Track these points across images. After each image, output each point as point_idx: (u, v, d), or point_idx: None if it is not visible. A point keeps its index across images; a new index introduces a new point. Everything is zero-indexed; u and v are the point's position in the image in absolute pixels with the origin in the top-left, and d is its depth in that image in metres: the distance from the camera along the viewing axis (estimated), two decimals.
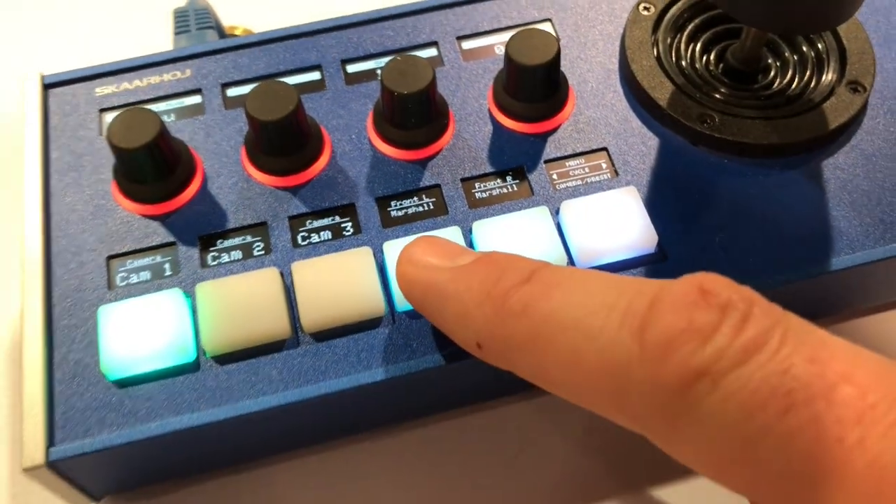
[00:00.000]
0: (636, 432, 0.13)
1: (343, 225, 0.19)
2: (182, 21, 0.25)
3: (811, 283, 0.18)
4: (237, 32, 0.26)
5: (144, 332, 0.17)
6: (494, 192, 0.19)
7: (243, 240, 0.19)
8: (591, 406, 0.14)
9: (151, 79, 0.21)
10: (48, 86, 0.21)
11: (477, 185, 0.19)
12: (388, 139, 0.19)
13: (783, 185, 0.19)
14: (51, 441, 0.16)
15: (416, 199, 0.19)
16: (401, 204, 0.19)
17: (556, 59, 0.19)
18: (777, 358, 0.12)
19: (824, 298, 0.20)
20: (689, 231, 0.18)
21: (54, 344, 0.17)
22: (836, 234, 0.18)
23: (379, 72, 0.20)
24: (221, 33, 0.25)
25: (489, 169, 0.19)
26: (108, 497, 0.19)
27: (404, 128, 0.19)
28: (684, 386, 0.12)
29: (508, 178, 0.19)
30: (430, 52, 0.21)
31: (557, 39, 0.19)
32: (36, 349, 0.17)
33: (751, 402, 0.12)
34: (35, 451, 0.16)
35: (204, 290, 0.17)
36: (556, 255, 0.18)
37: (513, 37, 0.19)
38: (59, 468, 0.16)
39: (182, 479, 0.19)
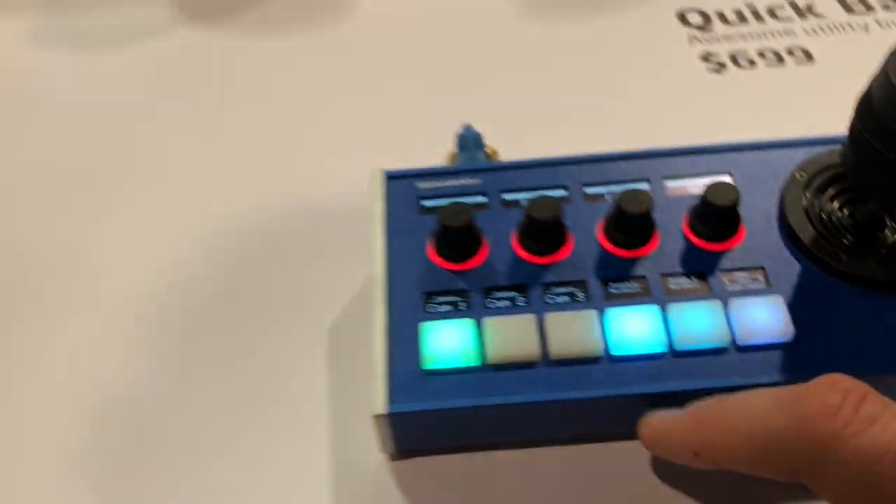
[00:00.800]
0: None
1: (577, 294, 0.28)
2: (463, 142, 0.36)
3: None
4: (491, 152, 0.37)
5: (449, 342, 0.27)
6: (683, 286, 0.28)
7: (511, 294, 0.28)
8: (759, 470, 0.22)
9: (454, 182, 0.31)
10: (389, 177, 0.32)
11: (671, 280, 0.28)
12: (612, 240, 0.29)
13: (878, 306, 0.27)
14: (391, 400, 0.26)
15: (628, 283, 0.28)
16: (618, 286, 0.28)
17: (737, 201, 0.28)
18: (887, 428, 0.20)
19: None
20: (819, 333, 0.27)
21: (393, 341, 0.27)
22: None
23: (608, 195, 0.30)
24: (486, 154, 0.36)
25: (680, 270, 0.28)
26: (401, 457, 0.28)
27: (625, 233, 0.29)
28: (824, 445, 0.21)
29: (693, 278, 0.28)
30: (644, 186, 0.31)
31: (737, 189, 0.28)
32: (381, 344, 0.27)
33: (872, 457, 0.20)
34: (381, 404, 0.26)
35: (488, 322, 0.27)
36: (722, 333, 0.27)
37: (708, 186, 0.28)
38: (392, 419, 0.26)
39: (452, 450, 0.28)
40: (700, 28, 0.47)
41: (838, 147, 0.30)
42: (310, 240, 0.37)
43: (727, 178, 0.31)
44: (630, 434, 0.26)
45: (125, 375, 0.33)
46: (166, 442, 0.31)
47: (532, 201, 0.28)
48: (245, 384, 0.32)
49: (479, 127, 0.36)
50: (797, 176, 0.30)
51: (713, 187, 0.28)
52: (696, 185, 0.30)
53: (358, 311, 0.33)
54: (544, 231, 0.28)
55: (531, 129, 0.39)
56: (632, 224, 0.28)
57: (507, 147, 0.36)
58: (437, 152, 0.36)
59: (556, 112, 0.42)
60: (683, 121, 0.40)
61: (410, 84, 0.44)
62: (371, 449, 0.29)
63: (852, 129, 0.26)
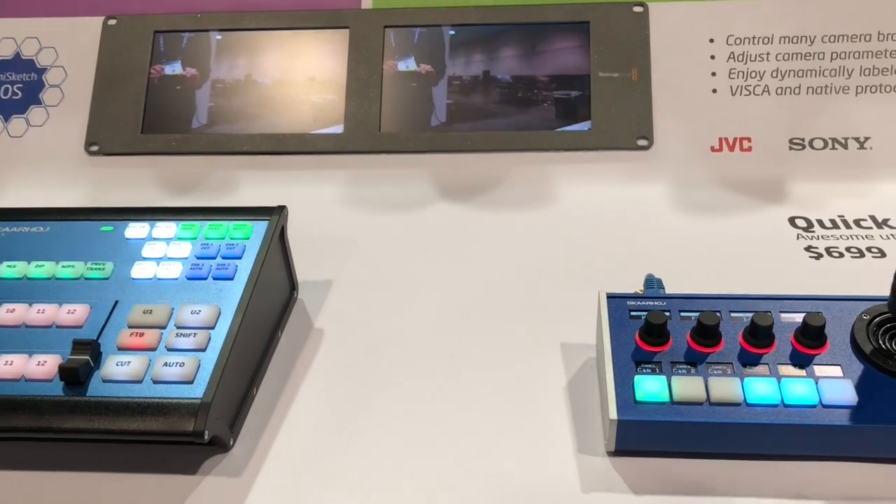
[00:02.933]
0: None
1: (726, 370, 0.48)
2: (650, 283, 0.57)
3: None
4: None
5: (651, 388, 0.47)
6: (791, 371, 0.48)
7: (687, 366, 0.48)
8: None
9: (649, 302, 0.53)
10: (609, 297, 0.53)
11: (783, 367, 0.48)
12: (747, 342, 0.49)
13: None
14: (619, 413, 0.46)
15: (757, 367, 0.48)
16: (750, 368, 0.48)
17: (824, 323, 0.48)
18: None
19: None
20: (872, 400, 0.46)
21: (618, 385, 0.48)
22: None
23: (745, 317, 0.51)
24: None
25: (789, 362, 0.48)
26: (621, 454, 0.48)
27: (757, 338, 0.49)
28: None
29: (797, 367, 0.48)
30: (768, 313, 0.51)
31: (823, 316, 0.48)
32: (612, 387, 0.48)
33: None
34: (614, 414, 0.46)
35: (675, 379, 0.47)
36: (813, 395, 0.46)
37: (807, 314, 0.48)
38: (620, 424, 0.46)
39: (648, 455, 0.48)
40: (805, 229, 0.68)
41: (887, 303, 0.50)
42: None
43: (818, 314, 0.51)
44: (756, 454, 0.46)
45: None
46: None
47: (703, 313, 0.49)
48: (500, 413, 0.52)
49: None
50: (863, 316, 0.50)
51: (810, 315, 0.49)
52: (798, 315, 0.51)
53: (585, 379, 0.54)
54: (708, 331, 0.49)
55: (682, 287, 0.61)
56: (761, 332, 0.49)
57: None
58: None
59: (695, 276, 0.63)
60: (790, 288, 0.61)
61: (597, 255, 0.67)
62: (599, 449, 0.48)
63: (893, 289, 0.46)
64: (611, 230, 0.69)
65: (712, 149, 0.76)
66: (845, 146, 0.75)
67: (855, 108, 0.76)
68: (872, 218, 0.69)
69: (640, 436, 0.47)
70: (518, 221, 0.71)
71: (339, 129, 0.80)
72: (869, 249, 0.65)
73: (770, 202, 0.72)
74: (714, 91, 0.77)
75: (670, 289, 0.58)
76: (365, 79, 0.81)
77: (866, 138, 0.75)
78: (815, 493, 0.46)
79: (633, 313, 0.52)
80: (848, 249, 0.65)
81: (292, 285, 0.62)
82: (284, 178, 0.77)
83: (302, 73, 0.82)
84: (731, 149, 0.76)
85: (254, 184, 0.77)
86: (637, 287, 0.61)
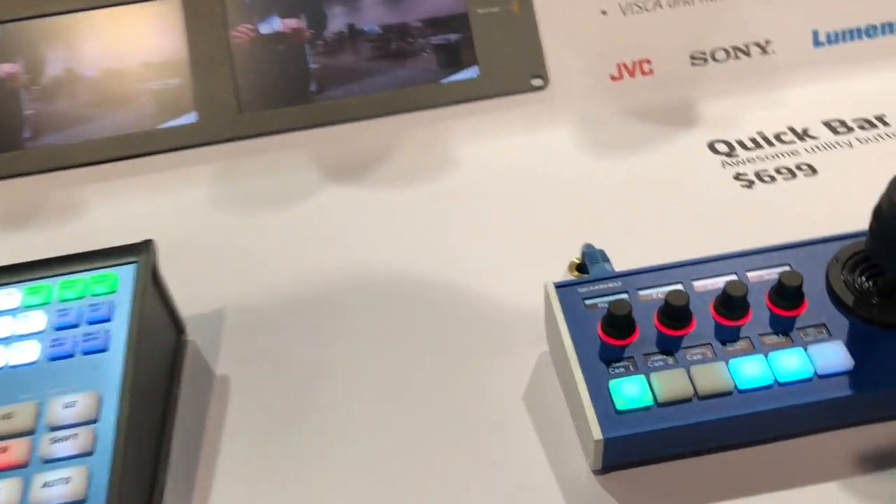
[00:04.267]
0: None
1: (706, 353, 0.43)
2: (591, 258, 0.50)
3: None
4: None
5: (631, 392, 0.41)
6: (775, 341, 0.43)
7: (662, 357, 0.43)
8: None
9: (602, 286, 0.46)
10: (557, 287, 0.46)
11: (766, 338, 0.43)
12: (721, 315, 0.44)
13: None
14: (603, 430, 0.40)
15: (738, 343, 0.43)
16: (732, 345, 0.43)
17: (801, 282, 0.43)
18: None
19: None
20: (867, 361, 0.41)
21: (593, 395, 0.41)
22: None
23: (711, 286, 0.45)
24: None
25: (770, 331, 0.43)
26: (604, 472, 0.42)
27: (731, 310, 0.43)
28: None
29: (780, 335, 0.43)
30: (734, 277, 0.46)
31: (801, 274, 0.43)
32: (586, 397, 0.41)
33: None
34: (597, 433, 0.40)
35: (654, 376, 0.41)
36: (807, 367, 0.41)
37: (781, 274, 0.43)
38: (606, 443, 0.40)
39: (639, 464, 0.42)
40: (728, 154, 0.63)
41: (858, 239, 0.46)
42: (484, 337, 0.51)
43: (788, 268, 0.46)
44: (752, 441, 0.40)
45: None
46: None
47: (670, 292, 0.43)
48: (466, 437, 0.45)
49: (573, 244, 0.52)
50: (835, 261, 0.45)
51: (784, 274, 0.43)
52: (770, 274, 0.45)
53: (543, 381, 0.47)
54: (678, 313, 0.43)
55: (620, 244, 0.54)
56: (735, 303, 0.43)
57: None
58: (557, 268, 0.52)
59: (630, 230, 0.57)
60: (734, 226, 0.56)
61: (514, 219, 0.60)
62: (581, 467, 0.42)
63: (872, 229, 0.42)
64: (524, 190, 0.62)
65: (612, 77, 0.69)
66: (748, 53, 0.70)
67: (751, 10, 0.70)
68: (792, 130, 0.65)
69: (629, 449, 0.41)
70: (421, 195, 0.63)
71: (191, 117, 0.68)
72: (799, 167, 0.61)
73: (686, 128, 0.66)
74: (604, 13, 0.70)
75: (605, 249, 0.52)
76: (210, 53, 0.69)
77: (767, 41, 0.70)
78: (820, 468, 0.42)
79: (587, 302, 0.46)
80: (778, 171, 0.61)
81: (178, 328, 0.52)
82: (137, 186, 0.65)
83: (133, 58, 0.69)
84: (632, 74, 0.70)
85: (102, 200, 0.65)
86: (570, 253, 0.54)
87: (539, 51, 0.69)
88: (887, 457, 0.42)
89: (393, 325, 0.52)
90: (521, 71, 0.69)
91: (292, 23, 0.70)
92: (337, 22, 0.70)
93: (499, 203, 0.61)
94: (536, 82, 0.69)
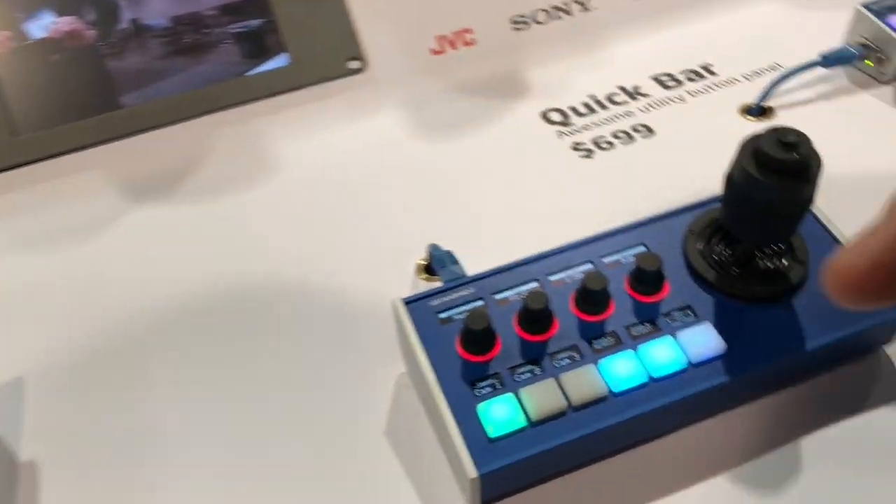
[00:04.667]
0: None
1: (574, 356, 0.39)
2: (440, 261, 0.46)
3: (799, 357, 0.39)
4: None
5: (501, 414, 0.37)
6: (642, 332, 0.40)
7: (529, 367, 0.39)
8: None
9: (454, 295, 0.42)
10: (406, 303, 0.41)
11: (633, 329, 0.40)
12: (583, 311, 0.40)
13: (769, 313, 0.40)
14: (477, 466, 0.36)
15: (605, 338, 0.40)
16: (599, 342, 0.39)
17: (660, 264, 0.40)
18: None
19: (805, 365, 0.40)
20: (739, 340, 0.39)
21: (461, 423, 0.37)
22: (810, 326, 0.39)
23: (568, 280, 0.41)
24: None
25: (636, 321, 0.40)
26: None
27: (592, 304, 0.40)
28: None
29: (647, 325, 0.40)
30: (590, 266, 0.42)
31: (658, 256, 0.40)
32: (454, 428, 0.37)
33: None
34: (471, 470, 0.35)
35: (523, 392, 0.38)
36: (680, 357, 0.38)
37: (638, 257, 0.40)
38: (483, 479, 0.36)
39: (520, 490, 0.38)
40: (563, 123, 0.60)
41: (711, 207, 0.43)
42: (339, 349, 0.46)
43: (643, 249, 0.43)
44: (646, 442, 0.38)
45: None
46: None
47: (529, 294, 0.39)
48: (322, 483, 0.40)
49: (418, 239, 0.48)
50: (690, 234, 0.43)
51: (641, 257, 0.41)
52: (626, 258, 0.42)
53: (405, 406, 0.42)
54: (539, 316, 0.39)
55: (466, 235, 0.50)
56: (595, 297, 0.40)
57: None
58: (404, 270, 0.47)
59: (474, 217, 0.53)
60: (580, 202, 0.53)
61: (350, 220, 0.54)
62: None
63: (725, 197, 0.39)
64: (357, 185, 0.56)
65: (433, 52, 0.65)
66: (569, 12, 0.67)
67: None
68: (623, 89, 0.62)
69: (507, 479, 0.37)
70: (241, 204, 0.56)
71: None
72: (635, 129, 0.59)
73: (516, 99, 0.62)
74: None
75: (450, 239, 0.47)
76: None
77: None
78: (707, 460, 0.39)
79: (441, 315, 0.41)
80: (615, 135, 0.59)
81: None
82: None
83: None
84: (454, 46, 0.65)
85: None
86: (416, 250, 0.50)
87: (351, 30, 0.63)
88: (771, 437, 0.40)
89: (226, 362, 0.46)
90: (336, 54, 0.63)
91: (67, 23, 0.60)
92: (120, 17, 0.61)
93: (331, 203, 0.55)
94: (353, 65, 0.63)
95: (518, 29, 0.66)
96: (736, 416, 0.41)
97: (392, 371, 0.45)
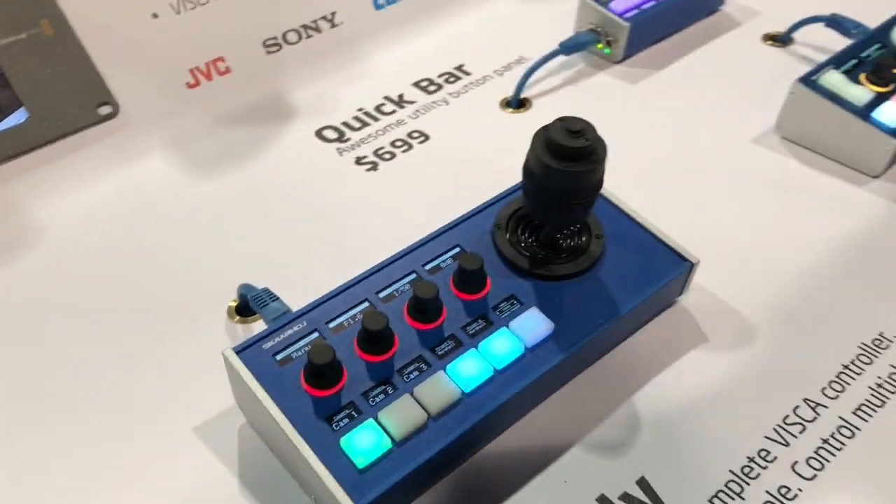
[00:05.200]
0: None
1: (422, 366, 0.39)
2: (259, 301, 0.44)
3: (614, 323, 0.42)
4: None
5: (365, 443, 0.36)
6: (478, 329, 0.41)
7: (381, 388, 0.39)
8: None
9: (287, 332, 0.40)
10: (238, 352, 0.39)
11: (469, 328, 0.41)
12: (418, 321, 0.41)
13: (582, 287, 0.43)
14: (355, 500, 0.35)
15: (446, 343, 0.40)
16: (441, 347, 0.40)
17: (482, 262, 0.42)
18: None
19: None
20: (564, 318, 0.42)
21: (328, 463, 0.36)
22: (618, 292, 0.43)
23: (397, 293, 0.42)
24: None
25: (469, 319, 0.41)
26: None
27: (425, 313, 0.41)
28: None
29: (480, 321, 0.41)
30: (413, 276, 0.43)
31: (478, 255, 0.42)
32: (322, 469, 0.36)
33: None
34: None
35: (381, 415, 0.37)
36: (517, 345, 0.40)
37: (458, 259, 0.41)
38: None
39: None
40: (340, 140, 0.60)
41: (510, 199, 0.46)
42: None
43: (459, 249, 0.44)
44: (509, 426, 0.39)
45: None
46: None
47: (365, 315, 0.39)
48: None
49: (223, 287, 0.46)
50: (497, 228, 0.45)
51: (462, 258, 0.42)
52: (446, 262, 0.44)
53: (257, 463, 0.40)
54: (380, 336, 0.39)
55: (277, 275, 0.49)
56: (429, 305, 0.41)
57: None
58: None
59: (281, 252, 0.52)
60: (378, 216, 0.53)
61: (142, 275, 0.50)
62: None
63: (525, 188, 0.41)
64: (136, 240, 0.52)
65: (189, 85, 0.62)
66: (318, 29, 0.67)
67: None
68: (389, 99, 0.64)
69: (388, 502, 0.37)
70: (5, 290, 0.50)
71: None
72: (411, 136, 0.60)
73: (286, 122, 0.61)
74: (155, 16, 0.61)
75: (259, 281, 0.46)
76: None
77: (333, 13, 0.68)
78: (559, 430, 0.42)
79: (279, 357, 0.40)
80: (393, 144, 0.60)
81: None
82: None
83: None
84: (209, 77, 0.63)
85: None
86: (224, 294, 0.48)
87: (96, 74, 0.58)
88: (611, 397, 0.43)
89: (50, 449, 0.41)
90: (82, 102, 0.58)
91: None
92: None
93: (117, 261, 0.51)
94: (104, 110, 0.58)
95: (271, 52, 0.65)
96: (575, 386, 0.43)
97: (232, 425, 0.42)
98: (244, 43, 0.64)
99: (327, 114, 0.62)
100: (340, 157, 0.59)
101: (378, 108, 0.63)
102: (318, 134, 0.61)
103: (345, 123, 0.62)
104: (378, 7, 0.70)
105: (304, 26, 0.66)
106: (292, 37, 0.66)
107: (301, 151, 0.59)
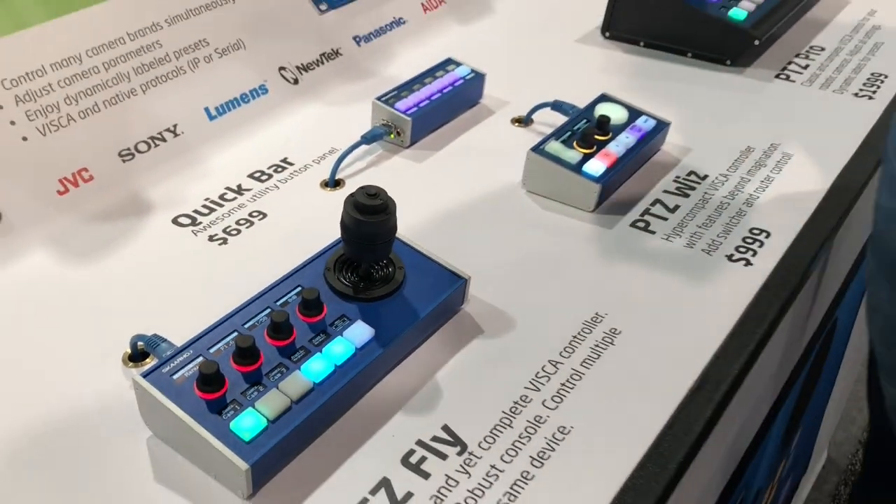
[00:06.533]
0: None
1: (282, 371, 0.55)
2: (151, 345, 0.58)
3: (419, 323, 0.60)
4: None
5: (247, 424, 0.52)
6: (322, 341, 0.57)
7: (255, 388, 0.54)
8: None
9: (179, 359, 0.55)
10: (145, 375, 0.53)
11: (314, 341, 0.57)
12: (273, 339, 0.57)
13: (392, 303, 0.61)
14: (245, 459, 0.50)
15: (298, 353, 0.56)
16: (295, 356, 0.56)
17: (318, 293, 0.58)
18: None
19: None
20: (381, 327, 0.59)
21: (221, 441, 0.50)
22: (417, 304, 0.61)
23: (258, 323, 0.57)
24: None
25: (313, 335, 0.58)
26: (255, 494, 0.51)
27: (280, 332, 0.56)
28: None
29: (321, 335, 0.58)
30: (268, 310, 0.59)
31: (316, 289, 0.58)
32: (217, 443, 0.50)
33: None
34: (242, 464, 0.49)
35: (258, 404, 0.53)
36: (346, 347, 0.57)
37: (301, 293, 0.58)
38: (252, 468, 0.50)
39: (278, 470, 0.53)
40: (193, 223, 0.75)
41: (335, 249, 0.63)
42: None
43: (301, 287, 0.61)
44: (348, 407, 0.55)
45: None
46: None
47: (237, 336, 0.54)
48: None
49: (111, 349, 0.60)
50: (327, 270, 0.62)
51: (304, 292, 0.58)
52: (292, 297, 0.60)
53: (165, 458, 0.54)
54: (249, 352, 0.55)
55: (164, 328, 0.63)
56: (282, 327, 0.56)
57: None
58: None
59: (155, 317, 0.66)
60: (232, 277, 0.69)
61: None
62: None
63: (343, 237, 0.59)
64: (23, 329, 0.65)
65: (59, 193, 0.75)
66: (164, 139, 0.82)
67: (152, 103, 0.82)
68: (230, 189, 0.80)
69: (266, 465, 0.52)
70: None
71: None
72: (252, 216, 0.76)
73: (145, 215, 0.76)
74: (25, 139, 0.74)
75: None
76: None
77: (175, 125, 0.83)
78: (382, 410, 0.58)
79: (175, 376, 0.54)
80: (238, 223, 0.75)
81: None
82: None
83: None
84: (76, 184, 0.76)
85: None
86: (112, 359, 0.61)
87: None
88: (417, 380, 0.60)
89: None
90: None
91: None
92: None
93: (11, 338, 0.63)
94: None
95: (126, 160, 0.79)
96: (395, 373, 0.60)
97: (138, 438, 0.55)
98: (103, 154, 0.78)
99: (180, 206, 0.77)
100: (195, 237, 0.74)
101: (221, 197, 0.79)
102: (174, 221, 0.75)
103: (195, 211, 0.77)
104: (211, 118, 0.86)
105: (152, 137, 0.82)
106: (143, 147, 0.81)
107: (160, 238, 0.73)
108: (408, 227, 0.65)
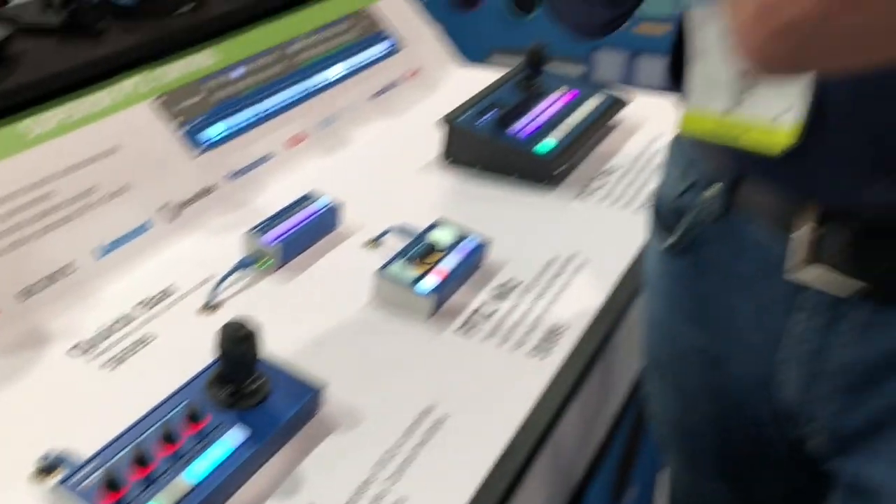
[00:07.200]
0: None
1: (173, 475, 0.68)
2: (59, 459, 0.70)
3: None
4: None
5: None
6: (205, 441, 0.71)
7: (147, 488, 0.67)
8: None
9: (83, 471, 0.67)
10: (62, 482, 0.65)
11: (199, 445, 0.71)
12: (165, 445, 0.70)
13: (260, 411, 0.75)
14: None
15: (183, 458, 0.70)
16: (182, 460, 0.70)
17: (196, 409, 0.72)
18: None
19: None
20: (253, 427, 0.73)
21: None
22: (278, 411, 0.75)
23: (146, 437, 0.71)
24: None
25: (199, 441, 0.71)
26: None
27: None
28: None
29: (204, 439, 0.72)
30: (158, 425, 0.72)
31: (195, 406, 0.72)
32: None
33: None
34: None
35: (153, 500, 0.66)
36: (226, 448, 0.71)
37: (187, 406, 0.72)
38: None
39: None
40: (87, 351, 0.88)
41: (212, 370, 0.77)
42: None
43: (187, 403, 0.74)
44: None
45: None
46: None
47: (132, 451, 0.67)
48: None
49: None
50: (208, 385, 0.76)
51: (189, 406, 0.72)
52: (177, 413, 0.73)
53: None
54: (142, 460, 0.68)
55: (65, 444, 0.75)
56: (172, 437, 0.70)
57: None
58: None
59: (64, 430, 0.77)
60: (127, 397, 0.81)
61: None
62: None
63: (220, 359, 0.74)
64: None
65: None
66: (55, 280, 0.94)
67: (46, 247, 0.95)
68: (120, 319, 0.92)
69: None
70: None
71: None
72: (143, 339, 0.89)
73: (36, 350, 0.87)
74: None
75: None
76: None
77: (68, 264, 0.96)
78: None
79: (83, 484, 0.66)
80: (135, 345, 0.88)
81: None
82: None
83: None
84: None
85: None
86: (20, 481, 0.73)
87: None
88: (287, 465, 0.74)
89: None
90: None
91: None
92: None
93: None
94: None
95: (25, 299, 0.91)
96: (273, 463, 0.74)
97: None
98: (3, 294, 0.90)
99: (74, 338, 0.89)
100: (88, 364, 0.86)
101: (114, 324, 0.91)
102: (68, 353, 0.88)
103: (89, 341, 0.89)
104: (103, 255, 0.99)
105: (48, 277, 0.94)
106: (39, 286, 0.93)
107: (53, 372, 0.85)
108: (275, 341, 0.80)
